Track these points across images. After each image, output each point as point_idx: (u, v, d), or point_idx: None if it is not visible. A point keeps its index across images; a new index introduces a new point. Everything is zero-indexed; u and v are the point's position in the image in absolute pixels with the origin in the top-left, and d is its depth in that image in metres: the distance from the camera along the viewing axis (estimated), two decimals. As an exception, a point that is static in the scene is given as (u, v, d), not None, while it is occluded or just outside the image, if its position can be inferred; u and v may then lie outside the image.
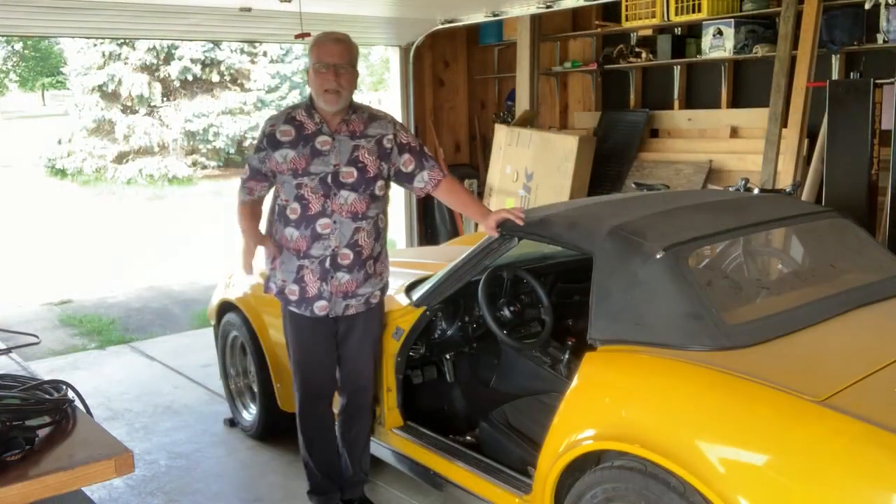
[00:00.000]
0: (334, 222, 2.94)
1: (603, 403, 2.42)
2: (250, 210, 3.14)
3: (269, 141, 2.96)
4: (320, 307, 3.02)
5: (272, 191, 3.11)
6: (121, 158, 17.30)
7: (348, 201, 2.94)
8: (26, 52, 29.41)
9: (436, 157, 3.20)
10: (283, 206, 3.01)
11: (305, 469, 3.30)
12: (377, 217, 3.04)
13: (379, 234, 3.07)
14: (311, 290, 3.01)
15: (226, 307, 4.07)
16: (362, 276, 3.03)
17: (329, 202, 2.93)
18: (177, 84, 17.18)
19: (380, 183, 3.01)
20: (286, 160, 2.93)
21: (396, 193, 7.60)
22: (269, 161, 2.96)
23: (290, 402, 3.39)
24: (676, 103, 6.61)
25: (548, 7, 5.95)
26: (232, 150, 17.56)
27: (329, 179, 2.92)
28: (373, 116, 3.04)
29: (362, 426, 3.27)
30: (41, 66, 29.99)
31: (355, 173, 2.94)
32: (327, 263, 2.98)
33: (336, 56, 2.90)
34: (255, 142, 3.06)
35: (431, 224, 7.81)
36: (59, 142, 18.16)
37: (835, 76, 5.35)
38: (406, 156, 3.03)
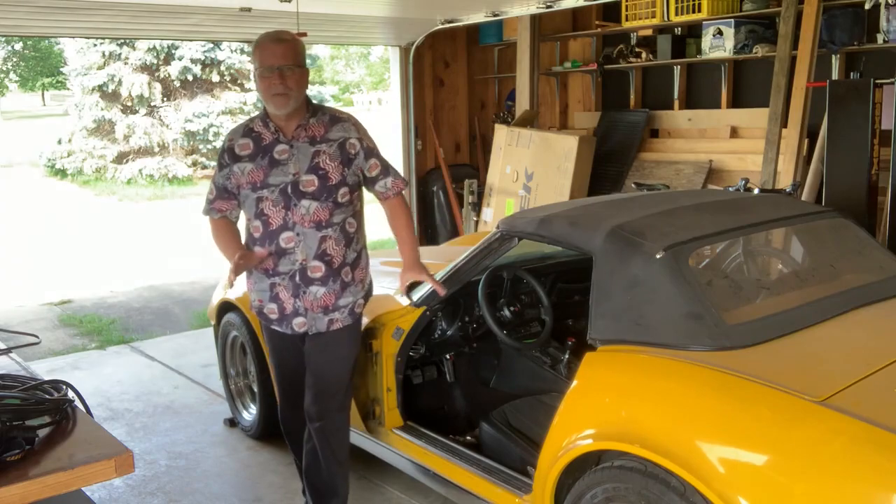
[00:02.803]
0: (297, 234, 2.79)
1: (603, 403, 2.42)
2: (225, 225, 2.94)
3: (230, 156, 2.83)
4: (298, 324, 2.89)
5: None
6: (121, 158, 17.30)
7: (310, 211, 2.77)
8: (26, 52, 29.45)
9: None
10: (247, 225, 2.89)
11: (298, 470, 3.29)
12: (344, 222, 2.85)
13: (350, 239, 2.88)
14: (287, 308, 2.88)
15: (226, 307, 4.07)
16: (339, 286, 2.87)
17: (290, 214, 2.78)
18: (177, 84, 17.18)
19: (342, 190, 2.82)
20: (244, 174, 2.80)
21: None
22: (233, 177, 2.83)
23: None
24: (676, 103, 6.61)
25: (548, 7, 5.96)
26: (232, 150, 17.53)
27: (289, 190, 2.77)
28: (335, 118, 2.87)
29: (332, 468, 2.98)
30: (41, 66, 30.02)
31: (316, 181, 2.77)
32: (297, 278, 2.83)
33: (279, 57, 2.72)
34: (217, 159, 2.90)
35: (431, 224, 7.82)
36: (59, 142, 18.17)
37: (835, 76, 5.36)
38: (373, 160, 2.88)
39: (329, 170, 2.78)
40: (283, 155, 2.79)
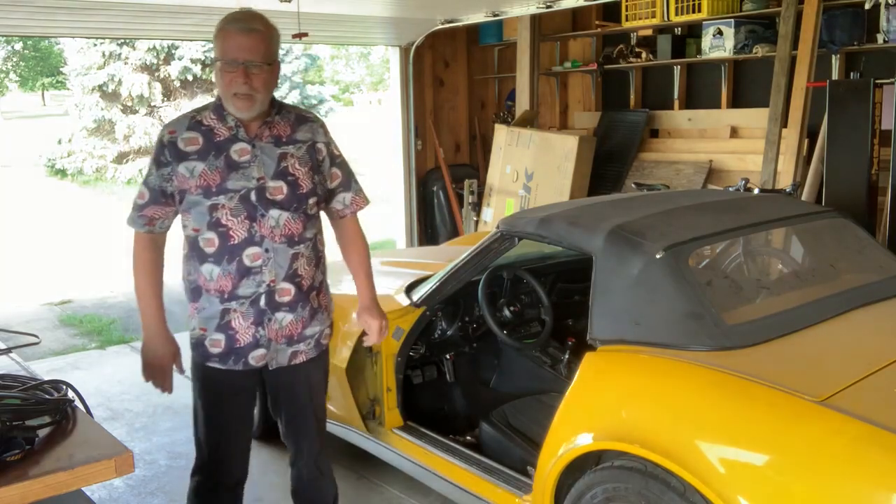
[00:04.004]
0: (266, 251, 2.36)
1: (603, 403, 2.42)
2: (150, 260, 2.45)
3: (172, 152, 2.34)
4: (257, 357, 2.44)
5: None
6: (121, 158, 17.29)
7: (280, 223, 2.36)
8: (26, 52, 29.44)
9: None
10: (194, 237, 2.38)
11: None
12: (315, 238, 2.48)
13: (319, 259, 2.51)
14: (242, 339, 2.41)
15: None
16: (308, 312, 2.47)
17: (256, 226, 2.34)
18: (177, 84, 17.17)
19: (312, 200, 2.44)
20: (194, 175, 2.32)
21: (396, 191, 7.62)
22: (176, 178, 2.35)
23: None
24: (676, 103, 6.61)
25: (548, 7, 5.95)
26: (232, 150, 17.53)
27: (253, 197, 2.34)
28: (301, 118, 2.49)
29: (323, 488, 2.75)
30: (41, 66, 30.00)
31: (285, 188, 2.37)
32: (262, 303, 2.38)
33: (246, 51, 2.27)
34: (152, 156, 2.40)
35: (431, 224, 7.81)
36: (59, 142, 18.17)
37: (835, 76, 5.35)
38: (335, 169, 2.52)
39: (299, 176, 2.40)
40: (244, 156, 2.36)
